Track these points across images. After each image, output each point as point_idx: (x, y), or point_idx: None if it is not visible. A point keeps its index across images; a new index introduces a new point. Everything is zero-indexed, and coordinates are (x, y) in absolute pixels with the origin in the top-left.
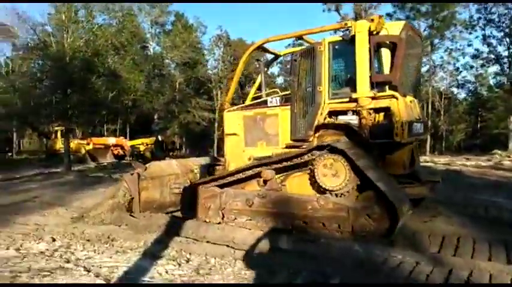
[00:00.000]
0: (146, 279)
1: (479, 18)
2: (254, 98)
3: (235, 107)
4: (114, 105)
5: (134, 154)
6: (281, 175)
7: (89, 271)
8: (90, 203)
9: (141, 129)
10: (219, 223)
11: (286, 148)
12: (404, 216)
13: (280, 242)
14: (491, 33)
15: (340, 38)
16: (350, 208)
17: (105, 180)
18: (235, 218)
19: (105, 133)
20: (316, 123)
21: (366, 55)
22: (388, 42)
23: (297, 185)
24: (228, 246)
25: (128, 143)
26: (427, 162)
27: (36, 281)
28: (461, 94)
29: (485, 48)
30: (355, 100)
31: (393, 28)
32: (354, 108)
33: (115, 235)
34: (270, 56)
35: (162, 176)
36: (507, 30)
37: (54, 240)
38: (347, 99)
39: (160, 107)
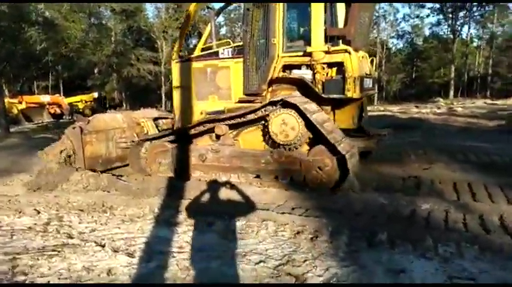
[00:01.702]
0: (175, 250)
1: None
2: (204, 49)
3: (184, 58)
4: (51, 57)
5: (73, 112)
6: (234, 129)
7: (103, 246)
8: None
9: (76, 86)
10: None
11: (239, 102)
12: (354, 168)
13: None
14: None
15: None
16: (302, 161)
17: (55, 141)
18: None
19: (36, 91)
20: (270, 77)
21: (321, 7)
22: None
23: (249, 139)
24: None
25: (65, 101)
26: (382, 111)
27: (44, 262)
28: (400, 45)
29: None
30: (309, 54)
31: None
32: (308, 63)
33: (110, 203)
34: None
35: (106, 129)
36: None
37: (38, 212)
38: (301, 53)
39: (103, 59)
